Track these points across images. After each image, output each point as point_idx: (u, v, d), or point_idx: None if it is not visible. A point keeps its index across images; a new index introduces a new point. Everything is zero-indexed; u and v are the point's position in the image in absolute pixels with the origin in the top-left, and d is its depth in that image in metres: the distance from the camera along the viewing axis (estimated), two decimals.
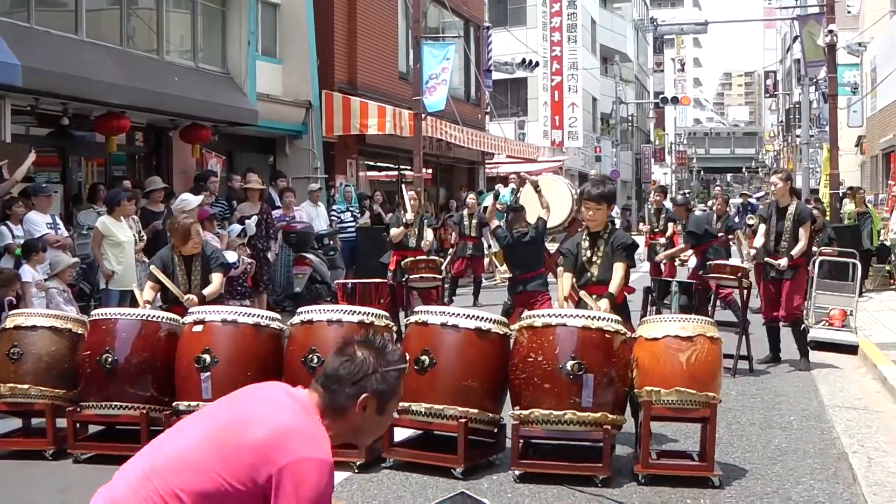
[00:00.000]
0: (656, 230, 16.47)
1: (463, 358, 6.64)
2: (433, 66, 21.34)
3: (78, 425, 7.25)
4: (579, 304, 7.38)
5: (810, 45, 23.69)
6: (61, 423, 7.26)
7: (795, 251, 10.52)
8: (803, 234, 10.60)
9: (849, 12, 38.33)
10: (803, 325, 11.04)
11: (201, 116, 16.04)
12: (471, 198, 18.53)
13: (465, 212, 17.94)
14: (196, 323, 7.02)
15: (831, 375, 10.51)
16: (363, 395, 2.94)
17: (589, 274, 7.47)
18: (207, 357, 6.80)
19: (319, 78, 20.55)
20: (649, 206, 24.88)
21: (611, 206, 7.63)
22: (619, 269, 7.31)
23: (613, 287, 7.22)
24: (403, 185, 14.31)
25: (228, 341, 6.94)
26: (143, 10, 16.13)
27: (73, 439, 7.17)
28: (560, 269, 7.80)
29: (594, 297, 7.17)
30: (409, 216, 13.63)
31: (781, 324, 11.04)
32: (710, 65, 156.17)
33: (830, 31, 20.61)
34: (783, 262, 10.51)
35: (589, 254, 7.50)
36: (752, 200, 29.31)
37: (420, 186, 19.11)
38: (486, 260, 21.19)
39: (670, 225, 16.36)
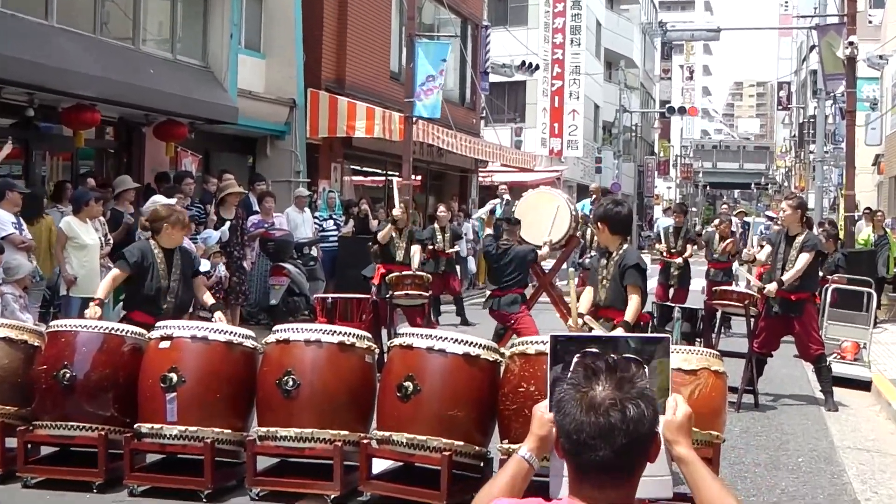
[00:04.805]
0: (673, 250, 16.36)
1: (449, 386, 6.56)
2: (428, 67, 21.29)
3: (29, 446, 7.13)
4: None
5: (829, 56, 23.67)
6: (11, 443, 7.13)
7: (786, 277, 10.38)
8: (801, 260, 10.41)
9: (870, 22, 38.47)
10: (827, 362, 10.95)
11: (177, 112, 15.92)
12: (441, 210, 18.34)
13: (437, 225, 17.56)
14: (163, 339, 6.91)
15: (843, 413, 10.45)
16: None
17: (599, 297, 7.48)
18: (174, 376, 6.71)
19: (305, 75, 20.47)
20: (659, 225, 24.87)
21: (615, 231, 7.58)
22: (633, 296, 7.35)
23: (629, 315, 7.25)
24: (395, 182, 14.25)
25: (197, 360, 6.85)
26: None
27: (23, 461, 7.04)
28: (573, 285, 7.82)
29: (609, 323, 7.18)
30: (398, 212, 13.56)
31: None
32: (720, 73, 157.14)
33: (851, 43, 20.61)
34: (771, 287, 10.43)
35: (603, 273, 7.53)
36: (748, 219, 29.28)
37: (408, 195, 19.01)
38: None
39: (689, 246, 16.35)
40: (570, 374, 2.52)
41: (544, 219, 12.78)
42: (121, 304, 9.14)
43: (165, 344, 6.89)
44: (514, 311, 11.28)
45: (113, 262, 9.50)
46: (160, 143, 16.37)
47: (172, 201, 13.00)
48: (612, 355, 2.55)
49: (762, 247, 11.74)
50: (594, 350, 2.66)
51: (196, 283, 8.39)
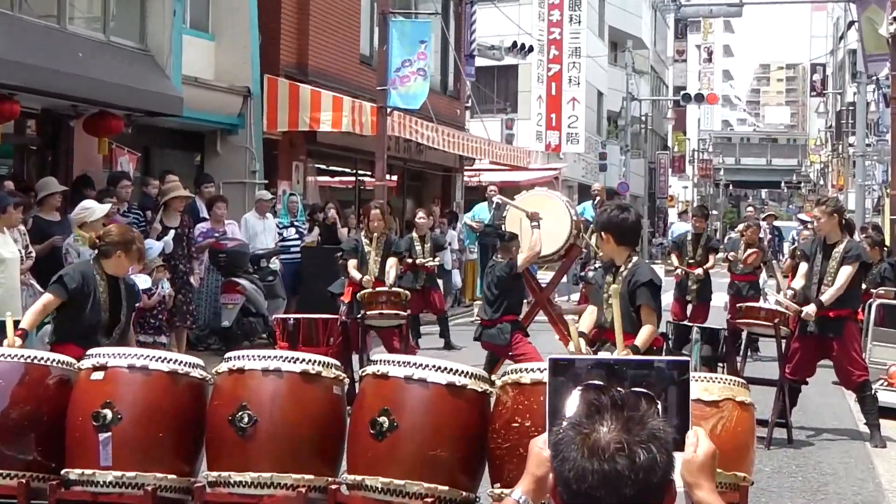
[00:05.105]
0: (691, 261, 16.22)
1: (431, 421, 6.53)
2: (404, 50, 21.30)
3: None
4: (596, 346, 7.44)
5: (870, 34, 23.81)
6: None
7: (827, 296, 10.35)
8: (843, 274, 10.41)
9: None
10: (872, 390, 10.93)
11: (111, 102, 15.87)
12: (421, 217, 18.34)
13: (415, 234, 17.55)
14: (95, 369, 6.85)
15: (892, 450, 10.44)
16: None
17: (604, 318, 7.47)
18: (108, 413, 6.64)
19: (261, 60, 20.46)
20: (675, 233, 24.91)
21: (621, 241, 7.58)
22: (648, 323, 7.35)
23: (640, 340, 7.23)
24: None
25: (136, 393, 6.79)
26: None
27: None
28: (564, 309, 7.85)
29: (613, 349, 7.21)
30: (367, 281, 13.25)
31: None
32: (743, 55, 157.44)
33: None
34: (809, 309, 10.38)
35: (608, 290, 7.53)
36: (778, 224, 29.34)
37: (383, 198, 19.01)
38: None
39: (711, 256, 16.25)
40: (569, 410, 2.49)
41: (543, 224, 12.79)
42: (45, 328, 9.10)
43: (98, 375, 6.83)
44: (503, 343, 11.27)
45: (46, 286, 9.40)
46: (91, 139, 16.29)
47: (106, 207, 13.00)
48: (618, 389, 2.51)
49: (794, 259, 11.72)
50: (597, 382, 2.62)
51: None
